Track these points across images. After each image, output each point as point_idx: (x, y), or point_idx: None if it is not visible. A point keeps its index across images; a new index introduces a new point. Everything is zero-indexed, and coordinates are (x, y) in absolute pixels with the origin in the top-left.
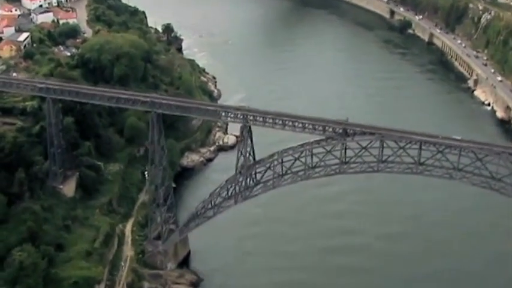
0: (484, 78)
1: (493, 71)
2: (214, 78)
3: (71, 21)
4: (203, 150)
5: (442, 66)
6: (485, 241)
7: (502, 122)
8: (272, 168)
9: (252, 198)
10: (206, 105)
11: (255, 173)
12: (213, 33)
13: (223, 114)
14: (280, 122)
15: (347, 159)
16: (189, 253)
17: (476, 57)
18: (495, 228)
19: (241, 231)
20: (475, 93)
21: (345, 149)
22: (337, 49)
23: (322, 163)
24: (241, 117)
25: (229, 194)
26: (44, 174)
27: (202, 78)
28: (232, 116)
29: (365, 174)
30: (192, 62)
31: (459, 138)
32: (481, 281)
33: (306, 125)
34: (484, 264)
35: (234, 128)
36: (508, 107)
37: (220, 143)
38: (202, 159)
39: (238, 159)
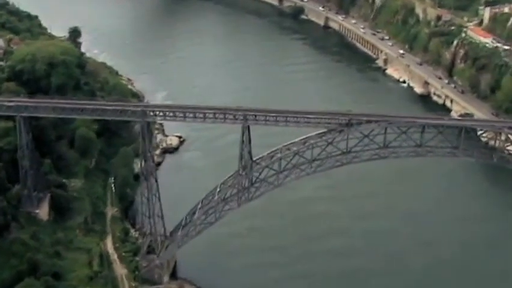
0: (394, 57)
1: (390, 44)
2: (129, 79)
3: None
4: None
5: (345, 48)
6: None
7: (421, 97)
8: (275, 166)
9: (256, 198)
10: (202, 110)
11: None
12: (106, 33)
13: (221, 116)
14: (283, 119)
15: (352, 149)
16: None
17: (382, 39)
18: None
19: (217, 235)
20: (387, 72)
21: (347, 138)
22: (237, 39)
23: (327, 155)
24: (242, 117)
25: (225, 197)
26: (16, 199)
27: (120, 80)
28: (231, 117)
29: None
30: (104, 65)
31: (459, 118)
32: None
33: (310, 119)
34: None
35: (173, 129)
36: (426, 82)
37: (164, 145)
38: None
39: (239, 160)
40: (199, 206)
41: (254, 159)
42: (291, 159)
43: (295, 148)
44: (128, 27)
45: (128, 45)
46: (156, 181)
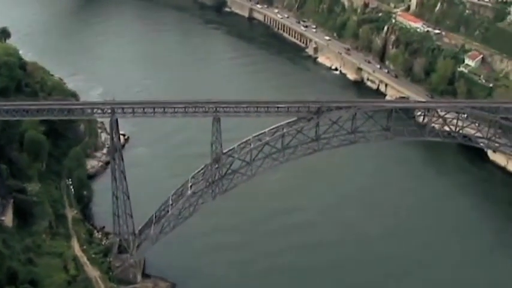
0: (325, 46)
1: (315, 31)
2: (61, 79)
3: None
4: (98, 154)
5: (273, 39)
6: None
7: (355, 83)
8: (247, 157)
9: (230, 190)
10: (171, 104)
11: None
12: (28, 33)
13: (191, 110)
14: (254, 109)
15: (322, 136)
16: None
17: (306, 26)
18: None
19: (181, 232)
20: (319, 60)
21: (317, 126)
22: (160, 35)
23: (299, 143)
24: (213, 109)
25: (197, 190)
26: None
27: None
28: (202, 110)
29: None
30: (37, 65)
31: (425, 100)
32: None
33: (281, 108)
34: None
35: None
36: (359, 69)
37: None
38: (101, 163)
39: (211, 153)
40: (170, 201)
41: (224, 151)
42: (261, 149)
43: (267, 138)
44: (49, 26)
45: (53, 45)
46: (125, 179)
